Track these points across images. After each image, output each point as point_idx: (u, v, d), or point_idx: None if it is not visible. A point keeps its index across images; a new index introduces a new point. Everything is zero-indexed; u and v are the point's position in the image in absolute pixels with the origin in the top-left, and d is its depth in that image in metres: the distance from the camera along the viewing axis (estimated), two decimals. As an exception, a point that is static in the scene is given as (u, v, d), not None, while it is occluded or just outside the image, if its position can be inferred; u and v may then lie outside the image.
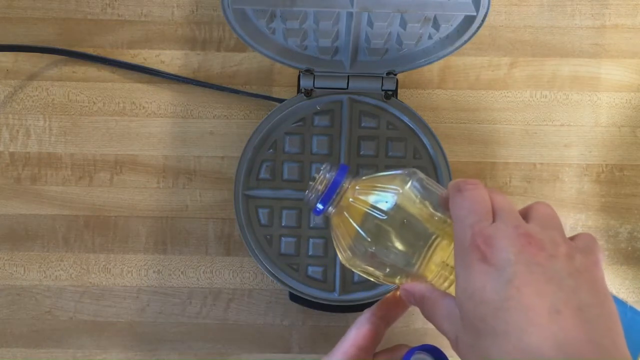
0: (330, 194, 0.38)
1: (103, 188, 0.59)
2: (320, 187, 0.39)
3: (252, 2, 0.47)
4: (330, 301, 0.54)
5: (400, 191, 0.37)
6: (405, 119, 0.55)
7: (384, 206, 0.36)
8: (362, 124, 0.55)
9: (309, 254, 0.54)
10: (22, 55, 0.59)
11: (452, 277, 0.36)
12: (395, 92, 0.55)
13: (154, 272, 0.58)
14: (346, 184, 0.39)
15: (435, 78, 0.59)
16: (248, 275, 0.59)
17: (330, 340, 0.58)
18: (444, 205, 0.37)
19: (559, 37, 0.59)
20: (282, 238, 0.54)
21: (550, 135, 0.59)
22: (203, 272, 0.58)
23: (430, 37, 0.51)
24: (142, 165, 0.59)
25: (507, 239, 0.32)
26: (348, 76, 0.54)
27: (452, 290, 0.36)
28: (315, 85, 0.54)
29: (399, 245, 0.37)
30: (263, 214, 0.54)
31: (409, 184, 0.37)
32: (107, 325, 0.58)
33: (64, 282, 0.58)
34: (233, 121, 0.59)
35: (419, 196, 0.37)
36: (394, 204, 0.36)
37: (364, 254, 0.37)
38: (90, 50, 0.59)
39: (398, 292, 0.40)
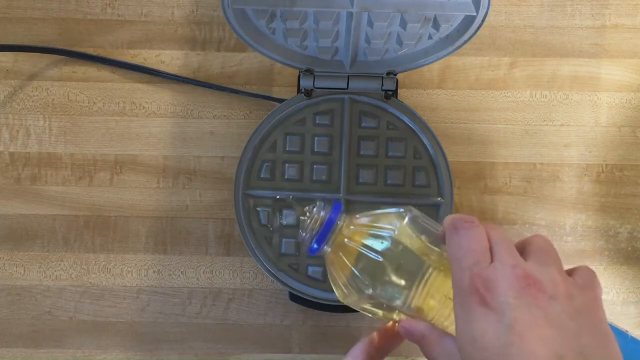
0: (325, 233, 0.37)
1: (103, 188, 0.59)
2: (314, 226, 0.37)
3: (252, 2, 0.47)
4: (330, 301, 0.54)
5: (396, 231, 0.36)
6: (405, 119, 0.55)
7: (379, 247, 0.36)
8: (362, 124, 0.55)
9: (309, 254, 0.54)
10: (22, 55, 0.59)
11: (452, 316, 0.35)
12: (395, 92, 0.55)
13: (154, 272, 0.58)
14: (341, 222, 0.38)
15: (435, 78, 0.59)
16: (248, 275, 0.59)
17: (330, 340, 0.58)
18: (440, 242, 0.36)
19: (559, 37, 0.59)
20: (282, 238, 0.54)
21: (550, 135, 0.59)
22: (203, 272, 0.58)
23: (430, 37, 0.51)
24: (142, 165, 0.59)
25: (506, 281, 0.31)
26: (348, 76, 0.54)
27: (451, 329, 0.35)
28: (315, 85, 0.54)
29: (395, 284, 0.36)
30: (263, 214, 0.54)
31: (405, 221, 0.36)
32: (107, 325, 0.58)
33: (64, 282, 0.58)
34: (233, 121, 0.59)
35: (414, 234, 0.36)
36: (389, 244, 0.36)
37: (361, 294, 0.37)
38: (90, 50, 0.59)
39: (396, 325, 0.39)
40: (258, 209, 0.54)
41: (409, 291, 0.36)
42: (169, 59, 0.59)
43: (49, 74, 0.59)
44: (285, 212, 0.54)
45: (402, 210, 0.37)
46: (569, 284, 0.32)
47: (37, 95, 0.59)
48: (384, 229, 0.36)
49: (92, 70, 0.59)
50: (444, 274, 0.36)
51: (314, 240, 0.37)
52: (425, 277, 0.36)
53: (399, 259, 0.36)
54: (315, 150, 0.55)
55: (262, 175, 0.55)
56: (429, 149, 0.55)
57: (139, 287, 0.58)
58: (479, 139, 0.59)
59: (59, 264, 0.58)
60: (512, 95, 0.59)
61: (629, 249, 0.59)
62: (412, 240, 0.36)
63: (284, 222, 0.54)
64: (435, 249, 0.36)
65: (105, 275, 0.58)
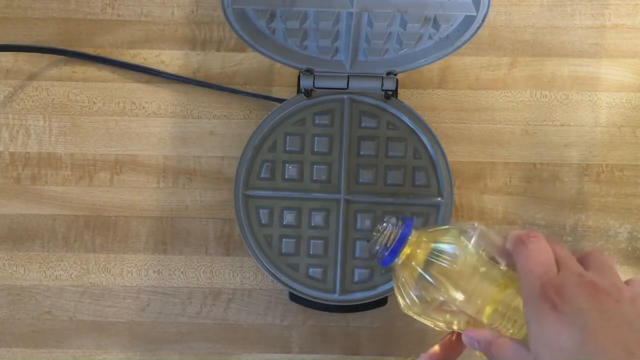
0: (399, 246, 0.41)
1: (103, 188, 0.59)
2: (389, 240, 0.41)
3: (252, 2, 0.47)
4: (330, 301, 0.54)
5: (466, 242, 0.40)
6: (405, 119, 0.55)
7: (451, 256, 0.39)
8: (362, 124, 0.55)
9: (309, 254, 0.54)
10: (22, 55, 0.59)
11: (518, 323, 0.38)
12: (395, 92, 0.55)
13: (154, 272, 0.58)
14: (412, 236, 0.41)
15: (435, 78, 0.59)
16: (248, 275, 0.58)
17: (330, 340, 0.58)
18: (504, 255, 0.39)
19: (559, 37, 0.59)
20: (282, 238, 0.54)
21: (550, 135, 0.59)
22: (203, 272, 0.58)
23: (430, 37, 0.51)
24: (142, 165, 0.59)
25: (576, 287, 0.34)
26: (348, 76, 0.54)
27: (515, 335, 0.38)
28: (315, 85, 0.54)
29: (463, 293, 0.39)
30: (263, 214, 0.54)
31: (474, 235, 0.40)
32: (107, 325, 0.58)
33: (64, 282, 0.58)
34: (233, 121, 0.59)
35: (481, 247, 0.40)
36: (460, 254, 0.39)
37: (428, 302, 0.40)
38: (90, 50, 0.59)
39: (454, 337, 0.42)
40: (258, 209, 0.54)
41: (476, 299, 0.39)
42: (169, 59, 0.59)
43: (49, 74, 0.59)
44: (285, 212, 0.54)
45: (470, 224, 0.41)
46: (629, 290, 0.35)
47: (37, 95, 0.59)
48: (456, 242, 0.40)
49: (92, 70, 0.59)
50: (505, 285, 0.39)
51: (388, 252, 0.41)
52: (491, 288, 0.39)
53: (469, 268, 0.39)
54: (315, 150, 0.55)
55: (262, 175, 0.55)
56: (429, 149, 0.55)
57: (139, 287, 0.58)
58: (479, 139, 0.59)
59: (59, 264, 0.58)
60: (512, 95, 0.59)
61: (629, 249, 0.59)
62: (480, 253, 0.40)
63: (284, 222, 0.54)
64: (499, 262, 0.40)
65: (105, 275, 0.58)
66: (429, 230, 0.42)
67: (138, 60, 0.59)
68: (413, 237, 0.41)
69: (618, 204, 0.59)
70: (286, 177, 0.55)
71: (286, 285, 0.54)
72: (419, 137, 0.55)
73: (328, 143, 0.55)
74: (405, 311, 0.42)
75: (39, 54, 0.59)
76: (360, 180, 0.55)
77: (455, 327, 0.41)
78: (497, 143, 0.59)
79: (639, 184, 0.59)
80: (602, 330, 0.32)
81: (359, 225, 0.54)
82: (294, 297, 0.55)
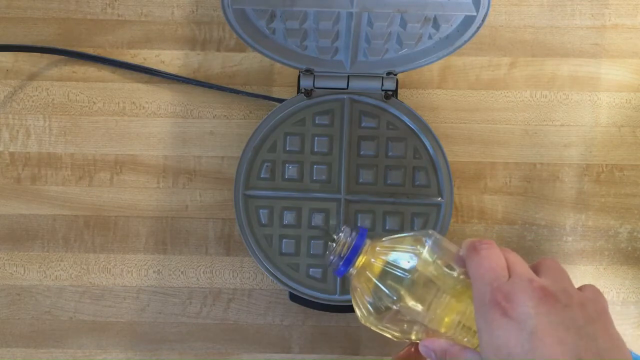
0: (352, 256, 0.41)
1: (103, 188, 0.59)
2: (342, 250, 0.41)
3: (252, 2, 0.47)
4: (330, 301, 0.54)
5: (421, 251, 0.39)
6: (405, 119, 0.55)
7: (406, 265, 0.39)
8: (362, 124, 0.55)
9: (309, 254, 0.54)
10: (22, 55, 0.59)
11: (472, 331, 0.38)
12: (395, 92, 0.55)
13: (154, 272, 0.58)
14: (367, 245, 0.41)
15: (435, 78, 0.59)
16: (248, 275, 0.59)
17: (330, 340, 0.58)
18: (459, 263, 0.39)
19: (559, 37, 0.59)
20: (282, 238, 0.54)
21: (550, 135, 0.59)
22: (203, 272, 0.58)
23: (430, 37, 0.51)
24: (142, 165, 0.59)
25: (525, 293, 0.34)
26: (348, 76, 0.54)
27: (470, 344, 0.38)
28: (315, 85, 0.54)
29: (418, 302, 0.39)
30: (263, 214, 0.54)
31: (428, 243, 0.40)
32: (107, 325, 0.58)
33: (64, 282, 0.58)
34: (233, 121, 0.59)
35: (436, 255, 0.39)
36: (415, 262, 0.39)
37: (383, 312, 0.40)
38: (90, 50, 0.59)
39: (412, 348, 0.42)
40: (258, 209, 0.54)
41: (430, 307, 0.39)
42: (169, 59, 0.59)
43: (49, 74, 0.59)
44: (285, 212, 0.54)
45: (424, 233, 0.41)
46: (580, 295, 0.35)
47: (37, 95, 0.59)
48: (410, 250, 0.40)
49: (92, 70, 0.59)
50: (460, 293, 0.39)
51: (341, 262, 0.41)
52: (445, 295, 0.39)
53: (423, 276, 0.39)
54: (315, 150, 0.55)
55: (262, 175, 0.55)
56: (429, 149, 0.55)
57: (139, 287, 0.58)
58: (479, 139, 0.59)
59: (59, 264, 0.58)
60: (512, 95, 0.59)
61: (629, 249, 0.59)
62: (434, 260, 0.39)
63: (284, 222, 0.54)
64: (454, 270, 0.39)
65: (105, 275, 0.58)
66: (384, 239, 0.42)
67: (138, 60, 0.59)
68: (367, 246, 0.41)
69: (618, 204, 0.59)
70: (286, 177, 0.55)
71: (286, 285, 0.54)
72: (419, 137, 0.55)
73: (328, 143, 0.55)
74: (363, 322, 0.41)
75: (39, 54, 0.59)
76: (360, 180, 0.55)
77: (413, 337, 0.41)
78: (497, 143, 0.59)
79: (639, 184, 0.59)
80: (550, 336, 0.32)
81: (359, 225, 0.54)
82: (294, 297, 0.55)
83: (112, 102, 0.59)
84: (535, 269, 0.37)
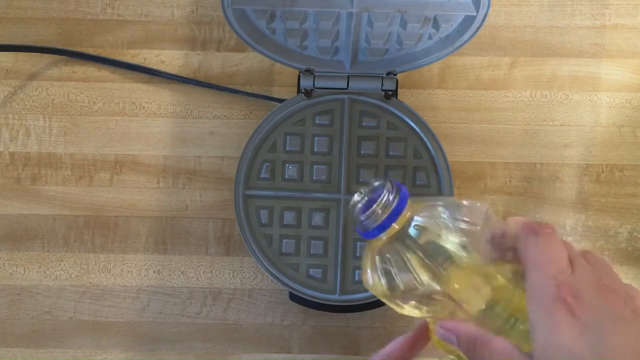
0: (392, 219, 0.35)
1: (103, 188, 0.59)
2: (380, 211, 0.35)
3: (252, 2, 0.47)
4: (330, 301, 0.54)
5: (476, 224, 0.34)
6: (405, 119, 0.55)
7: (455, 239, 0.34)
8: (362, 124, 0.55)
9: (309, 254, 0.54)
10: (22, 55, 0.59)
11: (510, 322, 0.34)
12: (395, 92, 0.55)
13: (154, 272, 0.58)
14: (406, 210, 0.35)
15: (435, 78, 0.59)
16: (248, 275, 0.59)
17: (330, 340, 0.58)
18: (501, 244, 0.34)
19: (559, 37, 0.59)
20: (282, 238, 0.54)
21: (550, 135, 0.59)
22: (203, 272, 0.58)
23: (430, 37, 0.51)
24: (142, 165, 0.59)
25: (593, 292, 0.31)
26: (348, 76, 0.54)
27: (498, 331, 0.34)
28: (315, 85, 0.54)
29: (455, 282, 0.34)
30: (263, 214, 0.54)
31: (482, 217, 0.34)
32: (107, 325, 0.58)
33: (64, 282, 0.58)
34: (233, 121, 0.59)
35: (487, 231, 0.34)
36: (465, 238, 0.34)
37: (408, 286, 0.35)
38: (90, 50, 0.59)
39: (410, 336, 0.38)
40: (258, 209, 0.54)
41: (463, 289, 0.34)
42: (169, 59, 0.59)
43: (49, 74, 0.59)
44: (285, 212, 0.54)
45: (476, 203, 0.35)
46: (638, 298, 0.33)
47: (37, 95, 0.59)
48: (459, 221, 0.34)
49: (92, 70, 0.59)
50: (504, 275, 0.34)
51: (378, 224, 0.35)
52: (487, 278, 0.34)
53: (468, 254, 0.34)
54: (315, 150, 0.55)
55: (262, 175, 0.55)
56: (429, 149, 0.55)
57: (139, 287, 0.58)
58: (479, 139, 0.59)
59: (59, 264, 0.58)
60: (512, 95, 0.59)
61: (629, 249, 0.59)
62: (480, 238, 0.34)
63: (284, 222, 0.54)
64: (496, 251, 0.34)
65: (105, 275, 0.58)
66: (426, 202, 0.35)
67: (138, 60, 0.59)
68: (406, 210, 0.35)
69: (618, 204, 0.59)
70: (286, 177, 0.55)
71: (286, 285, 0.54)
72: (419, 137, 0.55)
73: (328, 143, 0.55)
74: (372, 291, 0.36)
75: (39, 54, 0.59)
76: (361, 180, 0.55)
77: (424, 314, 0.36)
78: (497, 143, 0.59)
79: (639, 184, 0.59)
80: (620, 342, 0.30)
81: (359, 225, 0.54)
82: (294, 297, 0.55)
83: (112, 102, 0.59)
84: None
